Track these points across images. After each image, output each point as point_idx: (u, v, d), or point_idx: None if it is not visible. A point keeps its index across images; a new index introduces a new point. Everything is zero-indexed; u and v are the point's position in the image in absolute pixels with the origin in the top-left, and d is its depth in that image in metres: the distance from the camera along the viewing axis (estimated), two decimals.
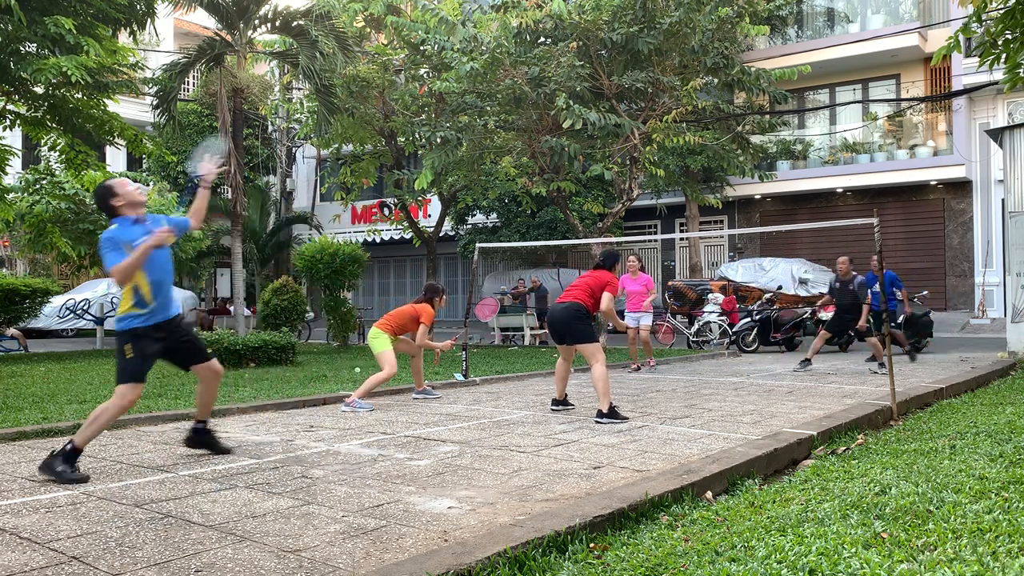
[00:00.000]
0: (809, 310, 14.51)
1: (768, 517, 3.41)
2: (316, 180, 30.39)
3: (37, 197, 14.41)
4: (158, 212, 16.12)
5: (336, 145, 17.58)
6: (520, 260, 25.50)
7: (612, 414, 6.37)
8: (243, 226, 17.25)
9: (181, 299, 22.92)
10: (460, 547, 3.02)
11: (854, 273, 10.60)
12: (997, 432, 5.11)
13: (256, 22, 16.04)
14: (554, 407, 7.13)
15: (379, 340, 7.61)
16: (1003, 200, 13.64)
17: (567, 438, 5.66)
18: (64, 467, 4.36)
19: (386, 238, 24.80)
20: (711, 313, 15.77)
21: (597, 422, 6.34)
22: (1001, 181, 16.91)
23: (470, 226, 24.53)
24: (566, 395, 7.21)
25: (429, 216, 23.84)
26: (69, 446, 4.43)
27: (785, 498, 3.78)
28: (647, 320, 11.47)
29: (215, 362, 5.03)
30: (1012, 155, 12.30)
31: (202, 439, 5.12)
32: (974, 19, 7.18)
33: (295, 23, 15.37)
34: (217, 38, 16.01)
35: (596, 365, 6.54)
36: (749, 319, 14.92)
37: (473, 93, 14.13)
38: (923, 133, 21.13)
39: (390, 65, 16.05)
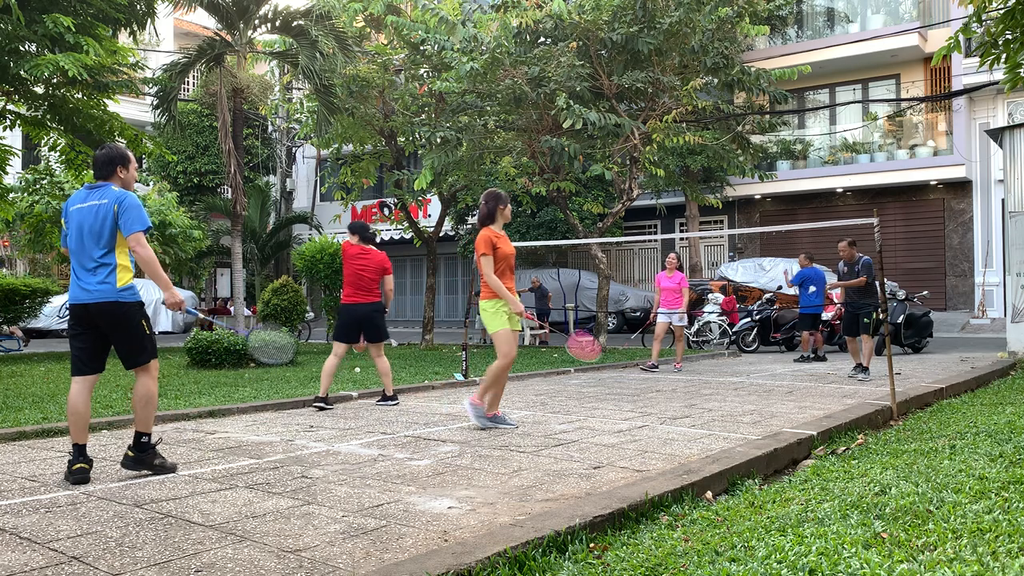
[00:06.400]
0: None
1: (768, 517, 3.41)
2: (316, 180, 30.39)
3: (36, 197, 14.41)
4: (158, 211, 16.16)
5: (336, 145, 17.56)
6: (520, 260, 25.48)
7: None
8: (243, 226, 17.24)
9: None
10: (460, 547, 3.02)
11: (859, 255, 9.80)
12: (997, 432, 5.11)
13: (256, 22, 16.03)
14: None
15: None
16: (1003, 200, 13.64)
17: (567, 438, 5.66)
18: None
19: (386, 238, 24.80)
20: (711, 313, 15.78)
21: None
22: (1001, 181, 16.91)
23: (470, 226, 24.52)
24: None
25: (429, 216, 23.84)
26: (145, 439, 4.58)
27: (785, 498, 3.78)
28: (678, 320, 11.33)
29: None
30: (1012, 155, 12.29)
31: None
32: (974, 19, 7.17)
33: (295, 23, 15.36)
34: (217, 38, 16.00)
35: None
36: (749, 319, 14.92)
37: (473, 93, 14.12)
38: (923, 133, 21.13)
39: (390, 65, 16.03)
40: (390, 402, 7.65)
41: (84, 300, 4.36)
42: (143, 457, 4.51)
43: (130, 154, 4.66)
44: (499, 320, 6.03)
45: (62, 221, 4.60)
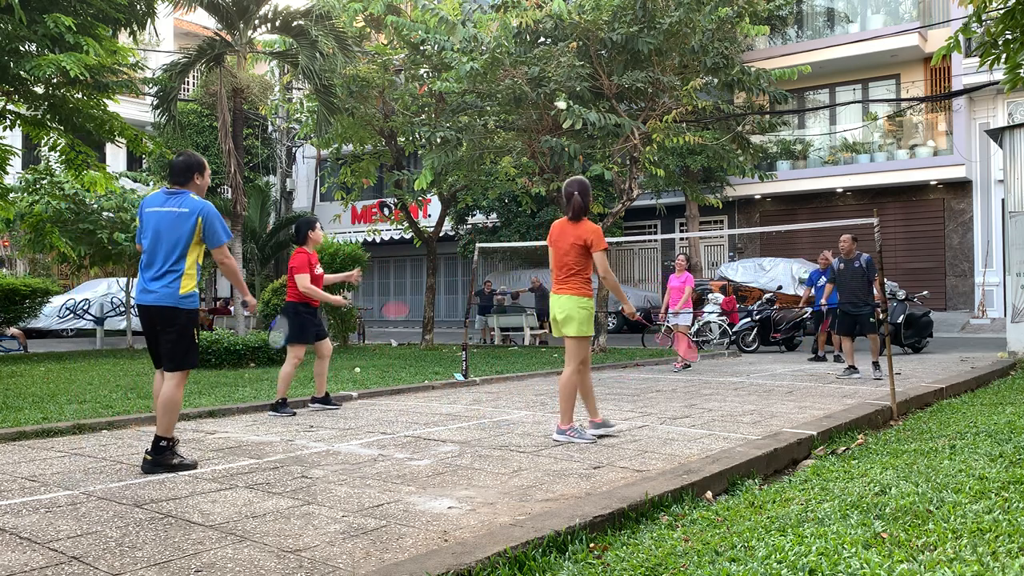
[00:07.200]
0: (809, 310, 14.52)
1: (768, 517, 3.41)
2: (316, 180, 30.40)
3: (36, 197, 14.41)
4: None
5: (336, 145, 17.56)
6: (520, 260, 25.49)
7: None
8: (243, 226, 17.23)
9: None
10: (460, 547, 3.02)
11: (858, 252, 9.61)
12: (997, 432, 5.11)
13: (256, 22, 16.02)
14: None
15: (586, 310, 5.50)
16: (1003, 200, 13.63)
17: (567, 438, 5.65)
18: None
19: (386, 238, 24.80)
20: (711, 313, 15.78)
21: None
22: (1001, 181, 16.91)
23: (470, 226, 24.52)
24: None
25: (429, 216, 23.84)
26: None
27: (785, 498, 3.77)
28: (683, 320, 11.39)
29: None
30: (1012, 155, 12.29)
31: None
32: (974, 19, 7.17)
33: (295, 23, 15.35)
34: (217, 38, 16.00)
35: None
36: (749, 319, 14.92)
37: (473, 93, 14.12)
38: (923, 133, 21.13)
39: (390, 65, 16.02)
40: (281, 411, 6.96)
41: (147, 302, 4.64)
42: (160, 459, 4.64)
43: (205, 161, 4.90)
44: (592, 324, 5.46)
45: (136, 220, 4.82)
